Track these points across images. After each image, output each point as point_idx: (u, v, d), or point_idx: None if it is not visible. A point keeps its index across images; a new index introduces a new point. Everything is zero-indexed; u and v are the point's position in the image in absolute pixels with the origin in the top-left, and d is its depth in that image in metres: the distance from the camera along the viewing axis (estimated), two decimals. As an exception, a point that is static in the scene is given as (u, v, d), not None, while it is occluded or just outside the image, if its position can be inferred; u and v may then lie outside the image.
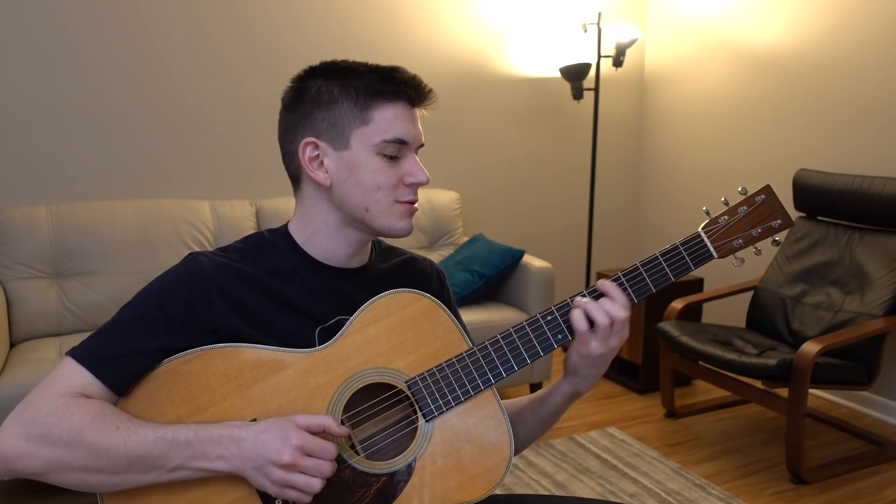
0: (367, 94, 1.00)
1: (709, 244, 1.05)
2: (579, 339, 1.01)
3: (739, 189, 1.07)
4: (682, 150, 3.84)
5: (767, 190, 1.07)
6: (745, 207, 1.06)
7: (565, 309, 1.03)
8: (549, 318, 1.03)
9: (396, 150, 1.01)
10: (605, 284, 1.02)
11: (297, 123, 1.04)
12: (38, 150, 2.75)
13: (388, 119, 1.00)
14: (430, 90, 1.04)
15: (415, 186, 1.03)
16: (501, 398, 1.05)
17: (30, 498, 2.35)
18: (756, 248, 1.08)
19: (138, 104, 2.90)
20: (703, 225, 1.07)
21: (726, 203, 1.08)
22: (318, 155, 1.03)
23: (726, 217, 1.06)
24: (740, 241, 1.05)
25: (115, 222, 2.70)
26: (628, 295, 1.03)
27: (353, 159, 1.01)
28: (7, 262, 2.56)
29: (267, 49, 3.08)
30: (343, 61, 1.04)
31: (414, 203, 1.04)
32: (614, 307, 1.00)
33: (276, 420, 0.94)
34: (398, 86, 1.00)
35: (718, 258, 1.06)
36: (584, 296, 1.03)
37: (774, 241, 1.07)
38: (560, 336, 1.03)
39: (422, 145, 1.06)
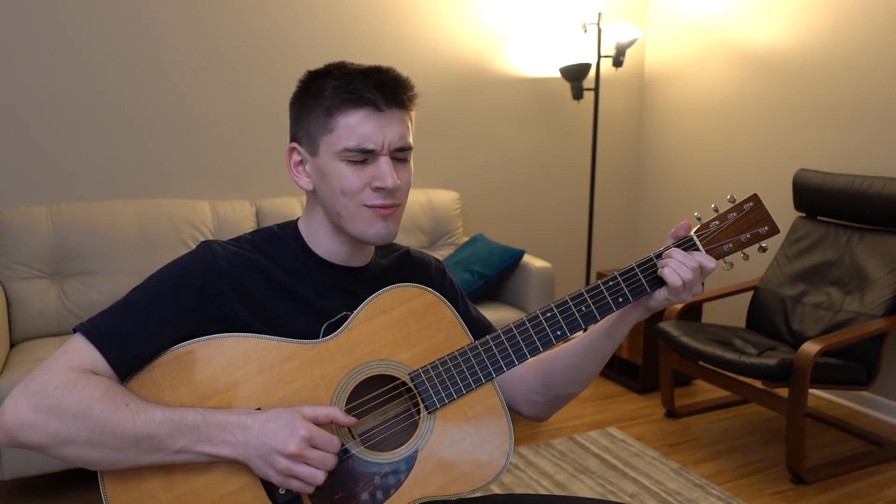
0: (333, 101, 1.00)
1: (701, 247, 1.08)
2: (672, 291, 1.04)
3: (728, 197, 1.12)
4: (682, 150, 3.84)
5: (755, 198, 1.11)
6: (734, 214, 1.10)
7: (580, 299, 1.06)
8: (549, 314, 1.06)
9: (362, 156, 1.00)
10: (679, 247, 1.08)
11: (291, 127, 1.07)
12: (38, 150, 2.75)
13: (350, 126, 0.99)
14: (405, 91, 1.02)
15: (381, 191, 1.01)
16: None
17: (30, 498, 2.35)
18: (744, 253, 1.12)
19: (138, 104, 2.90)
20: (695, 229, 1.10)
21: (716, 210, 1.12)
22: (301, 160, 1.06)
23: (717, 222, 1.10)
24: (730, 245, 1.10)
25: (115, 222, 2.70)
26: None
27: (321, 166, 1.03)
28: (7, 262, 2.56)
29: (267, 49, 3.08)
30: (335, 64, 1.03)
31: (386, 207, 1.02)
32: (701, 259, 1.05)
33: (284, 410, 0.94)
34: (361, 91, 0.99)
35: None
36: (652, 259, 1.07)
37: (761, 247, 1.10)
38: (559, 332, 1.06)
39: (404, 148, 1.03)
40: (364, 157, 1.00)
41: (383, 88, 1.00)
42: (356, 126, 0.99)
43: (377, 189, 1.01)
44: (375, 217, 1.02)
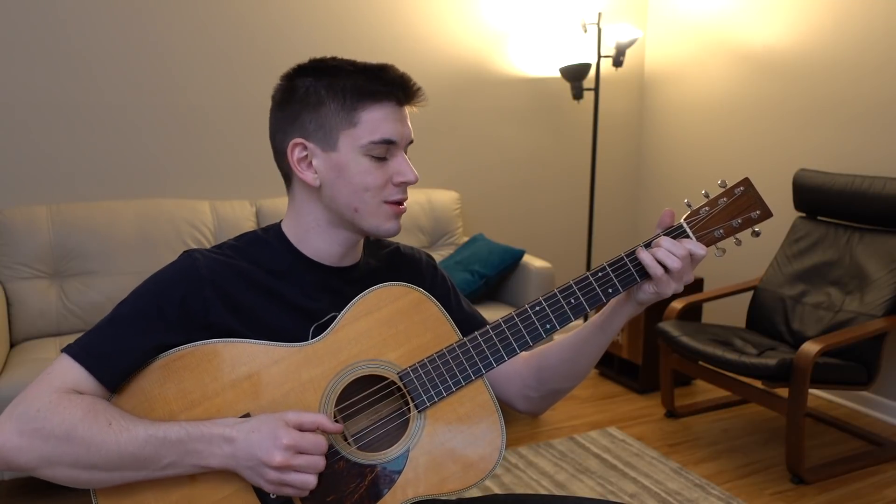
0: (355, 96, 1.00)
1: (691, 234, 1.06)
2: (658, 282, 1.02)
3: (719, 182, 1.09)
4: (682, 150, 3.84)
5: (746, 182, 1.08)
6: (725, 199, 1.07)
7: (569, 292, 1.04)
8: (538, 308, 1.05)
9: (384, 150, 1.01)
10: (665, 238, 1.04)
11: (286, 123, 1.04)
12: (38, 150, 2.76)
13: (375, 120, 1.00)
14: (419, 88, 1.04)
15: (403, 185, 1.04)
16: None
17: (30, 498, 2.35)
18: (737, 238, 1.09)
19: (138, 104, 2.90)
20: (684, 216, 1.08)
21: (707, 195, 1.09)
22: (306, 155, 1.03)
23: (707, 208, 1.08)
24: (721, 231, 1.07)
25: (115, 222, 2.71)
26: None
27: (340, 161, 1.01)
28: (7, 262, 2.56)
29: (267, 48, 3.08)
30: (332, 59, 1.04)
31: (402, 203, 1.05)
32: (690, 246, 1.02)
33: (267, 417, 0.93)
34: (386, 86, 1.00)
35: None
36: (636, 250, 1.04)
37: (754, 231, 1.08)
38: (549, 326, 1.04)
39: (411, 142, 1.07)
40: (385, 151, 1.01)
41: (403, 85, 1.02)
42: (381, 120, 1.00)
43: (399, 184, 1.03)
44: (392, 214, 1.04)
